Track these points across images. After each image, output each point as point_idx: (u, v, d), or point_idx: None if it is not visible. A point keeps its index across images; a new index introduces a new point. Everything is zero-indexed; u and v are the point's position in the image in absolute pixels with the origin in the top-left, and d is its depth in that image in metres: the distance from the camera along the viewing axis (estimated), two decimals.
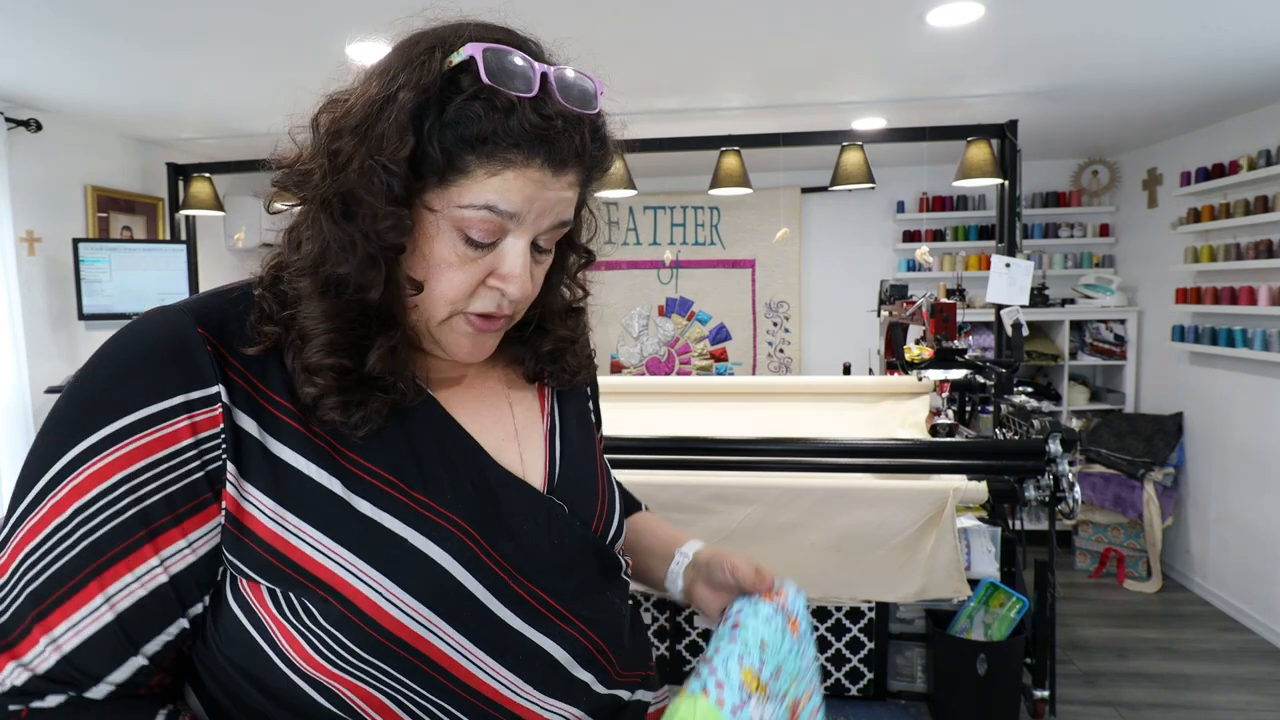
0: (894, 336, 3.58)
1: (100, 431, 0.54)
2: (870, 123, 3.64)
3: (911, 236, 4.93)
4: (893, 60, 2.80)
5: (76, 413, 0.55)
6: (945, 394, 3.22)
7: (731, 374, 5.24)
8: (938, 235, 4.88)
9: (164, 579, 0.54)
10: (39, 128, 3.14)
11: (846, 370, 4.08)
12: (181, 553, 0.55)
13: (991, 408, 3.17)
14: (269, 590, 0.56)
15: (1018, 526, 2.57)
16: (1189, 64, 2.83)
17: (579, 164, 0.61)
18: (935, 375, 3.01)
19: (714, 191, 3.34)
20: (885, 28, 2.46)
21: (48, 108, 3.17)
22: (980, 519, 2.57)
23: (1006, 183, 3.10)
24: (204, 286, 3.74)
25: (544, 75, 0.59)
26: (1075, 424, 4.41)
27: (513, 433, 0.71)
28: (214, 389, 0.56)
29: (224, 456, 0.56)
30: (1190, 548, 3.92)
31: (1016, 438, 2.69)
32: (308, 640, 0.56)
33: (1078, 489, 2.22)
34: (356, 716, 0.57)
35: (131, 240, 3.65)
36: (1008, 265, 2.94)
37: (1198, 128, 3.84)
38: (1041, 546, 2.73)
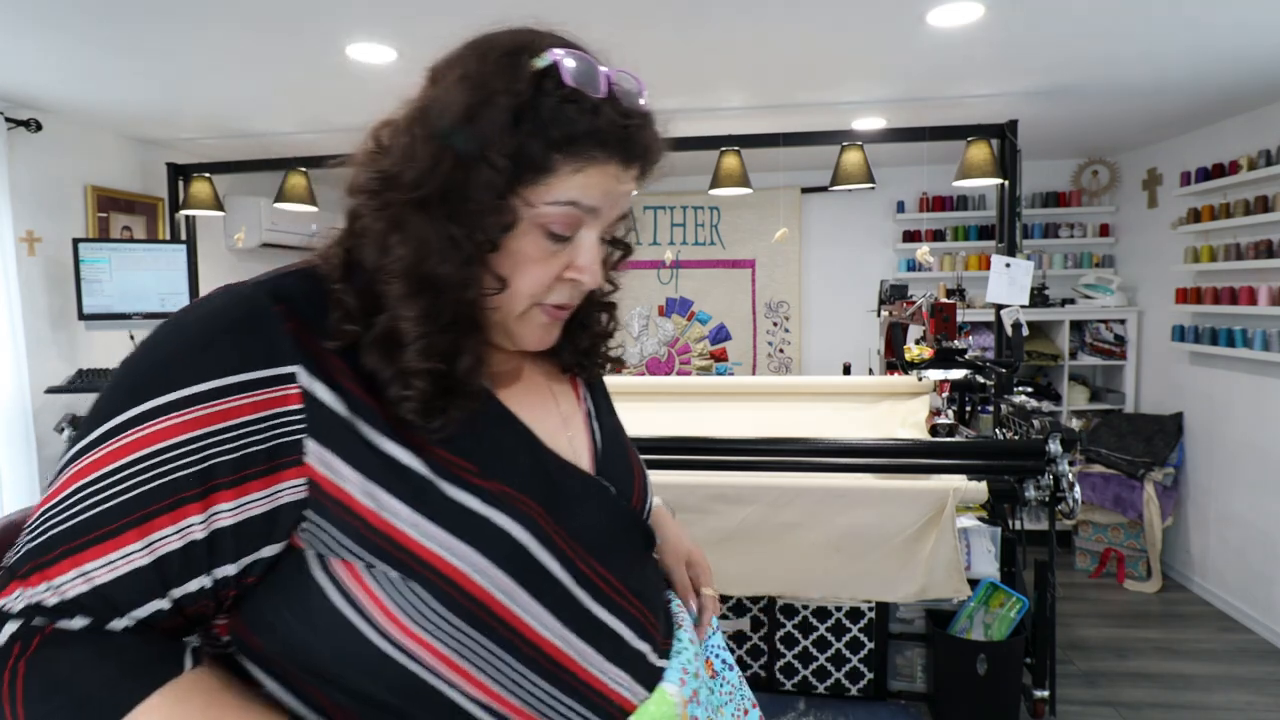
0: (894, 336, 3.58)
1: (171, 394, 0.56)
2: (870, 123, 3.64)
3: (911, 236, 4.93)
4: (893, 60, 2.80)
5: (151, 371, 0.57)
6: (945, 394, 3.22)
7: (731, 374, 5.24)
8: (938, 235, 4.88)
9: (201, 536, 0.56)
10: (39, 128, 3.14)
11: (846, 370, 4.08)
12: (223, 515, 0.56)
13: (991, 408, 3.17)
14: (365, 565, 0.58)
15: (1018, 526, 2.57)
16: (1189, 64, 2.83)
17: (644, 160, 0.67)
18: (935, 375, 3.01)
19: (714, 191, 3.34)
20: (885, 28, 2.46)
21: (48, 108, 3.17)
22: (980, 519, 2.56)
23: (1006, 183, 3.10)
24: (204, 287, 3.74)
25: (607, 77, 0.63)
26: (1075, 424, 4.41)
27: (560, 421, 0.75)
28: (290, 368, 0.58)
29: (299, 433, 0.58)
30: (1190, 548, 3.92)
31: (1016, 438, 2.69)
32: (403, 610, 0.58)
33: (1078, 489, 2.22)
34: (445, 681, 0.60)
35: (131, 240, 3.64)
36: (1008, 265, 2.94)
37: (1198, 128, 3.83)
38: (1041, 546, 2.73)
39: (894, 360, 3.48)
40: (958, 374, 2.96)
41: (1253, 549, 3.46)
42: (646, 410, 3.25)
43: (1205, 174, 3.70)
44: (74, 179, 3.42)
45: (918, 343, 3.12)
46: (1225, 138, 3.65)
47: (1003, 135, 3.10)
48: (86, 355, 3.43)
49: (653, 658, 0.72)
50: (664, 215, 5.29)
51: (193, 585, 0.56)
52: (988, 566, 2.47)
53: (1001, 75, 2.96)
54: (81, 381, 3.12)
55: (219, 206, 3.70)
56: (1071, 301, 4.53)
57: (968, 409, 3.46)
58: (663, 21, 2.38)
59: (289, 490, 0.57)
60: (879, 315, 3.91)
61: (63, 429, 2.82)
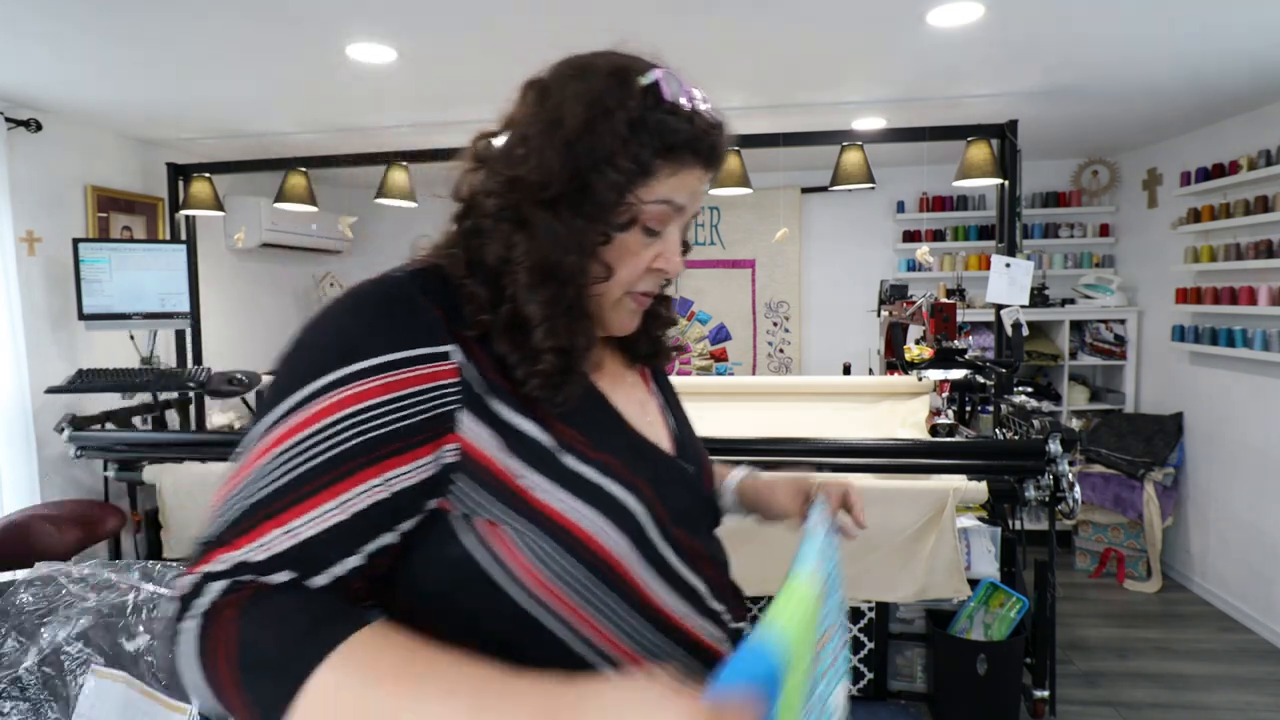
0: (894, 336, 3.58)
1: (354, 365, 0.62)
2: (870, 123, 3.64)
3: (911, 236, 4.93)
4: (893, 60, 2.80)
5: (331, 347, 0.64)
6: (945, 394, 3.22)
7: (731, 374, 5.24)
8: (938, 235, 4.88)
9: (386, 495, 0.62)
10: (39, 128, 3.14)
11: (846, 370, 4.08)
12: (402, 477, 0.62)
13: (991, 408, 3.17)
14: (506, 525, 0.66)
15: (1018, 526, 2.57)
16: (1189, 64, 2.83)
17: (718, 164, 0.77)
18: (935, 375, 3.01)
19: (714, 191, 3.34)
20: (885, 28, 2.46)
21: (48, 108, 3.17)
22: (980, 519, 2.56)
23: (1006, 183, 3.10)
24: (204, 287, 3.75)
25: (691, 92, 0.74)
26: (1075, 424, 4.41)
27: (640, 407, 0.84)
28: (447, 347, 0.66)
29: (456, 404, 0.65)
30: (1190, 548, 3.92)
31: (1016, 438, 2.70)
32: (539, 564, 0.66)
33: (1078, 489, 2.22)
34: (568, 627, 0.68)
35: (131, 240, 3.64)
36: (1008, 265, 2.94)
37: (1198, 128, 3.83)
38: (1041, 546, 2.73)
39: (894, 360, 3.48)
40: (958, 374, 2.96)
41: (1253, 549, 3.46)
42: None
43: (1205, 174, 3.70)
44: (74, 179, 3.42)
45: (918, 343, 3.12)
46: (1225, 138, 3.65)
47: (1003, 135, 3.10)
48: (86, 355, 3.43)
49: (727, 617, 0.80)
50: None
51: (383, 540, 0.63)
52: (988, 566, 2.47)
53: (1001, 75, 2.96)
54: (81, 381, 3.12)
55: (219, 206, 3.70)
56: (1071, 301, 4.53)
57: (968, 409, 3.46)
58: (663, 21, 2.38)
59: (448, 454, 0.65)
60: (879, 315, 3.91)
61: (62, 429, 2.81)
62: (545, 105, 0.72)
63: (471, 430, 0.65)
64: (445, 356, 0.65)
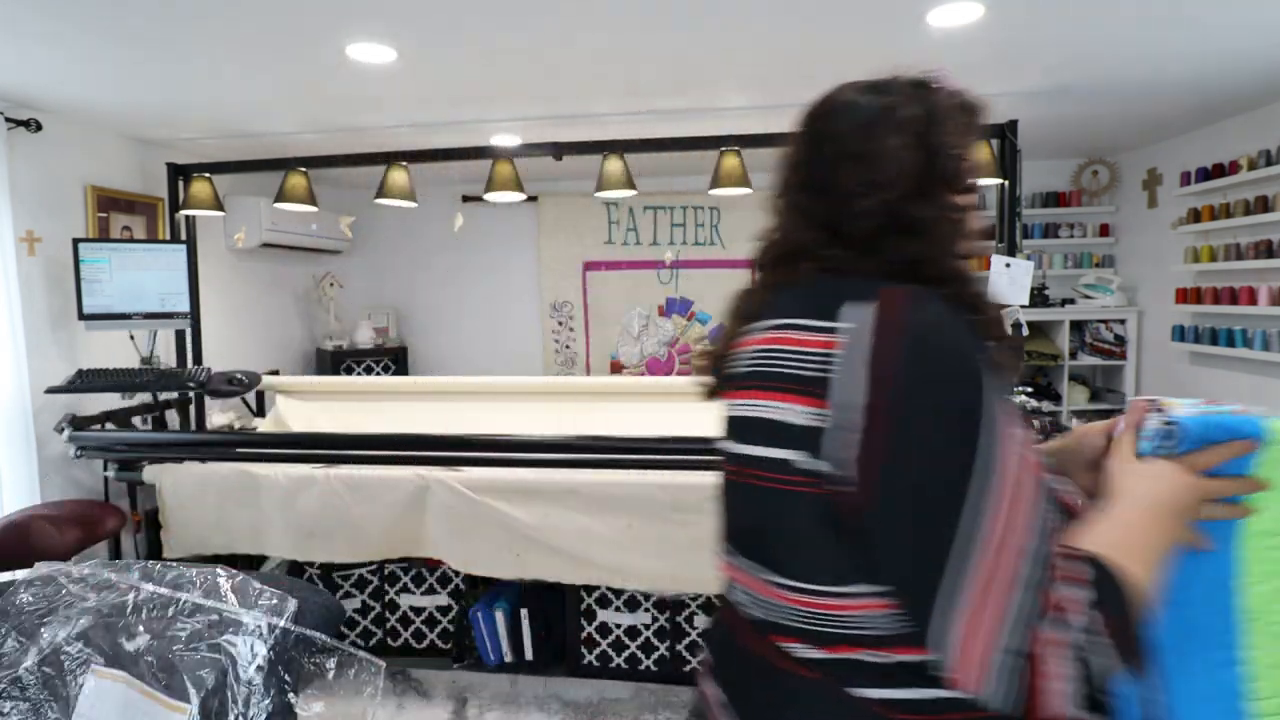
0: None
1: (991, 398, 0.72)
2: None
3: None
4: (893, 60, 2.79)
5: (975, 383, 0.72)
6: None
7: None
8: None
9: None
10: (39, 128, 3.14)
11: None
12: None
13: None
14: None
15: None
16: (1189, 64, 2.83)
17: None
18: None
19: (714, 191, 3.34)
20: (885, 28, 2.46)
21: (48, 108, 3.17)
22: None
23: (1006, 183, 3.10)
24: (204, 287, 3.74)
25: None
26: (1075, 424, 4.41)
27: None
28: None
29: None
30: None
31: None
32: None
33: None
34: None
35: (131, 240, 3.64)
36: (1008, 265, 2.94)
37: (1198, 128, 3.83)
38: None
39: None
40: None
41: None
42: (647, 410, 3.26)
43: (1205, 174, 3.70)
44: (74, 179, 3.42)
45: None
46: (1225, 138, 3.65)
47: (1003, 135, 3.10)
48: (86, 355, 3.43)
49: None
50: (664, 215, 5.29)
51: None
52: None
53: (1001, 75, 2.96)
54: (81, 381, 3.12)
55: (219, 206, 3.70)
56: (1071, 301, 4.53)
57: None
58: (663, 21, 2.38)
59: None
60: None
61: (62, 429, 2.81)
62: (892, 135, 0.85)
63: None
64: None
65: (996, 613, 0.67)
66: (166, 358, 3.69)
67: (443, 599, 2.93)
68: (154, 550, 2.88)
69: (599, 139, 3.35)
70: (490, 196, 3.54)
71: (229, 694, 1.35)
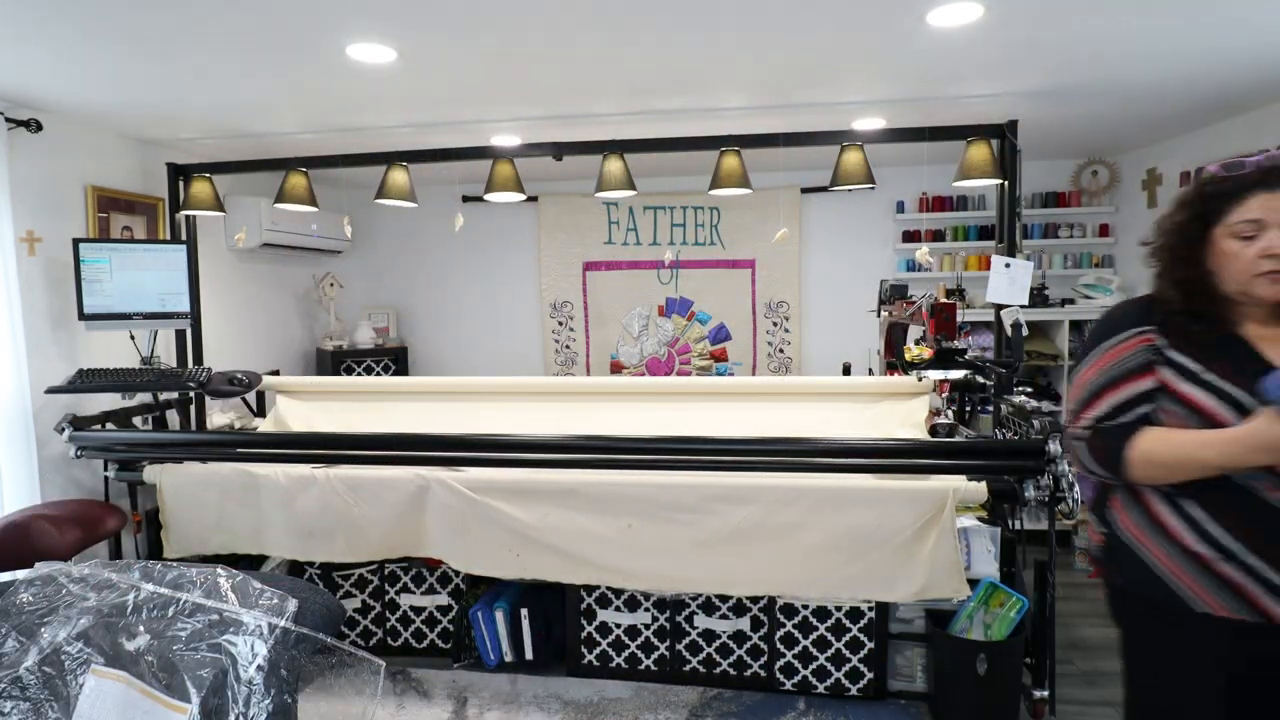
0: (894, 336, 3.58)
1: (1112, 337, 1.44)
2: (870, 123, 3.64)
3: (911, 236, 4.93)
4: (893, 60, 2.80)
5: (1101, 330, 1.47)
6: (945, 394, 3.22)
7: (731, 374, 5.24)
8: (938, 235, 4.88)
9: (1144, 390, 1.38)
10: (39, 128, 3.14)
11: (846, 370, 4.08)
12: (1146, 382, 1.40)
13: (991, 408, 3.17)
14: (1170, 408, 1.38)
15: (1017, 526, 2.57)
16: (1189, 64, 2.83)
17: (1266, 187, 1.41)
18: (935, 375, 3.01)
19: (714, 191, 3.34)
20: (885, 28, 2.46)
21: (48, 108, 3.17)
22: (980, 519, 2.56)
23: (1006, 183, 3.10)
24: (204, 287, 3.75)
25: (1267, 156, 1.38)
26: None
27: None
28: (1149, 327, 1.42)
29: (1160, 355, 1.40)
30: None
31: (1016, 438, 2.69)
32: (1180, 422, 1.39)
33: (1078, 489, 2.22)
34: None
35: (132, 240, 3.65)
36: (1008, 265, 2.94)
37: (1198, 128, 3.83)
38: (1041, 546, 2.73)
39: (894, 360, 3.48)
40: (958, 374, 2.96)
41: None
42: (647, 410, 3.26)
43: None
44: (74, 179, 3.42)
45: (917, 343, 3.12)
46: (1225, 138, 3.65)
47: (1003, 135, 3.10)
48: (86, 355, 3.43)
49: None
50: (664, 215, 5.29)
51: (1141, 409, 1.38)
52: (987, 566, 2.47)
53: (1001, 75, 2.96)
54: (81, 381, 3.12)
55: (219, 207, 3.70)
56: (1071, 301, 4.53)
57: (968, 409, 3.46)
58: (663, 21, 2.38)
59: (1152, 381, 1.38)
60: (879, 315, 3.91)
61: (63, 429, 2.81)
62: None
63: (1167, 369, 1.37)
64: (1149, 332, 1.39)
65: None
66: (166, 358, 3.69)
67: (443, 599, 2.93)
68: (154, 550, 2.88)
69: (599, 139, 3.35)
70: (490, 196, 3.54)
71: (229, 694, 1.35)
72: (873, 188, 3.31)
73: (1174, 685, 1.42)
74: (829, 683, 2.59)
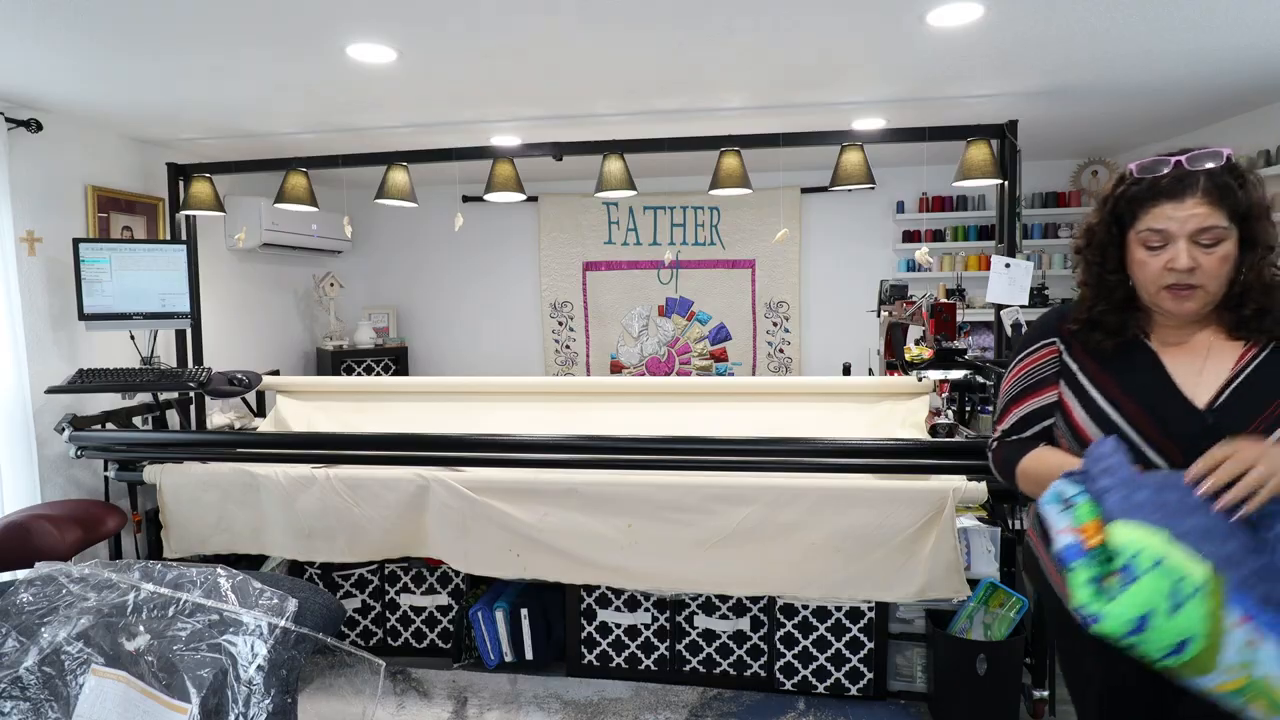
0: (894, 336, 3.58)
1: (1022, 351, 1.44)
2: (870, 123, 3.64)
3: (911, 236, 4.93)
4: (893, 60, 2.80)
5: (1019, 343, 1.46)
6: (945, 394, 3.22)
7: (731, 374, 5.24)
8: (938, 235, 4.88)
9: (1043, 405, 1.37)
10: (39, 128, 3.14)
11: (846, 370, 4.08)
12: (1049, 396, 1.37)
13: (991, 408, 3.17)
14: (1063, 426, 1.36)
15: (1018, 526, 2.57)
16: (1189, 64, 2.83)
17: (1175, 195, 1.21)
18: (935, 375, 3.01)
19: (714, 191, 3.34)
20: (885, 28, 2.46)
21: (48, 108, 3.17)
22: (980, 519, 2.56)
23: (1006, 183, 3.10)
24: (204, 287, 3.75)
25: (1177, 163, 1.22)
26: None
27: (1197, 370, 1.24)
28: (1053, 339, 1.38)
29: (1057, 370, 1.38)
30: None
31: None
32: (1073, 443, 1.34)
33: None
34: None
35: (132, 240, 3.65)
36: (1008, 265, 2.94)
37: (1198, 128, 3.84)
38: None
39: (894, 360, 3.48)
40: (958, 374, 2.96)
41: None
42: (647, 410, 3.26)
43: None
44: (74, 179, 3.42)
45: (918, 343, 3.12)
46: (1225, 138, 3.65)
47: (1003, 135, 3.10)
48: (86, 355, 3.43)
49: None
50: (664, 215, 5.29)
51: (1045, 423, 1.37)
52: (988, 566, 2.47)
53: (1001, 75, 2.96)
54: (82, 381, 3.12)
55: (219, 207, 3.70)
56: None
57: (968, 409, 3.46)
58: (663, 21, 2.38)
59: (1055, 394, 1.36)
60: (879, 315, 3.91)
61: (63, 429, 2.81)
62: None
63: (1064, 384, 1.35)
64: (1052, 345, 1.37)
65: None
66: (166, 358, 3.69)
67: (443, 599, 2.93)
68: (154, 550, 2.88)
69: (599, 139, 3.35)
70: (490, 196, 3.54)
71: (229, 693, 1.35)
72: (873, 188, 3.31)
73: (1073, 687, 1.49)
74: (829, 683, 2.59)
